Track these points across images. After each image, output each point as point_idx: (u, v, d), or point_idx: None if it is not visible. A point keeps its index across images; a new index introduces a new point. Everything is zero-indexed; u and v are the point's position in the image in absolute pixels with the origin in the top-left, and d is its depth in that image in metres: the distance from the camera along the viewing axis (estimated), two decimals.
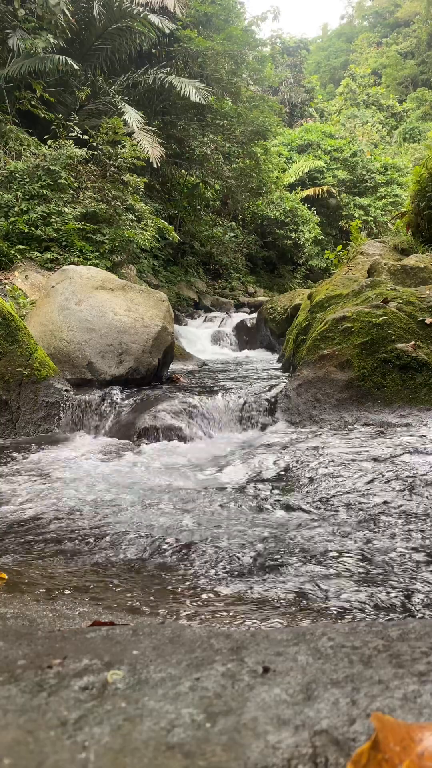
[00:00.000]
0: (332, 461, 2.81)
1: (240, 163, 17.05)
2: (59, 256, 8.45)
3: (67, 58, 10.47)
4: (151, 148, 11.16)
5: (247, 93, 16.19)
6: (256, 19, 19.39)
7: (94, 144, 9.95)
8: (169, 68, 14.04)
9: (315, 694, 0.61)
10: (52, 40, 10.48)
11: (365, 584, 1.57)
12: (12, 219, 8.51)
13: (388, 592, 1.52)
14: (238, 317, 11.84)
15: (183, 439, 3.73)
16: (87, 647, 0.79)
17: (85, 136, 9.96)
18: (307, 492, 2.50)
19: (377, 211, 24.57)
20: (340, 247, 8.58)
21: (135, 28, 12.60)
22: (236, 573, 1.71)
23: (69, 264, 7.48)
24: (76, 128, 10.08)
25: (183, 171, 15.89)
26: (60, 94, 11.82)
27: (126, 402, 4.25)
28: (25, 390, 4.09)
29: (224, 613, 1.45)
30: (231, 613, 1.45)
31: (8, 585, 1.54)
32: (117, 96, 11.96)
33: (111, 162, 10.00)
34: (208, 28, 15.69)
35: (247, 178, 17.14)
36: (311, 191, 23.89)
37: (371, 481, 2.52)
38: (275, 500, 2.45)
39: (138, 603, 1.50)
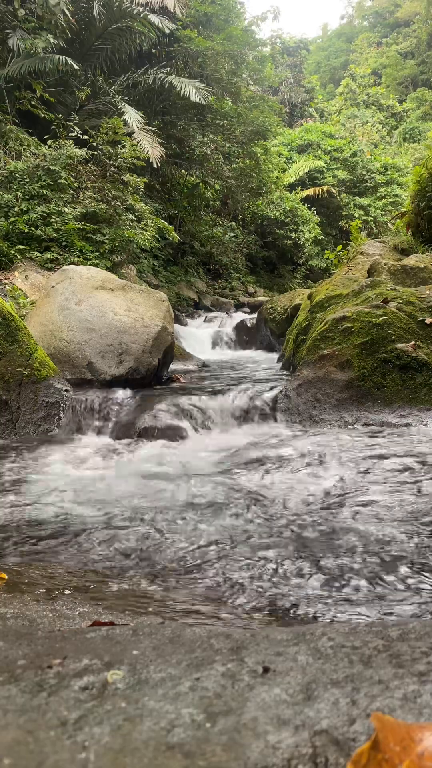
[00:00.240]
0: (332, 461, 2.81)
1: (240, 163, 17.05)
2: (59, 256, 8.45)
3: (67, 58, 10.47)
4: (151, 148, 11.17)
5: (247, 93, 16.19)
6: (256, 19, 19.40)
7: (94, 144, 9.95)
8: (169, 68, 14.05)
9: (315, 694, 0.61)
10: (52, 40, 10.48)
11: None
12: (12, 219, 8.51)
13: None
14: (238, 317, 11.83)
15: (183, 438, 3.73)
16: (87, 647, 0.79)
17: (85, 136, 9.96)
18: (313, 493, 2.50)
19: (377, 211, 24.57)
20: (340, 247, 8.58)
21: (135, 28, 12.60)
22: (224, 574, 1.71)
23: (69, 264, 7.48)
24: (76, 128, 10.08)
25: (183, 171, 15.89)
26: (60, 94, 11.82)
27: (126, 402, 4.25)
28: (25, 390, 4.09)
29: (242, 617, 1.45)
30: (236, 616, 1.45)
31: (8, 585, 1.54)
32: (117, 96, 11.96)
33: (111, 162, 10.00)
34: (208, 28, 15.69)
35: (247, 178, 17.15)
36: (311, 191, 23.90)
37: (374, 481, 2.52)
38: (282, 502, 2.45)
39: (138, 603, 1.50)
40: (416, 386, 3.65)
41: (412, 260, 6.10)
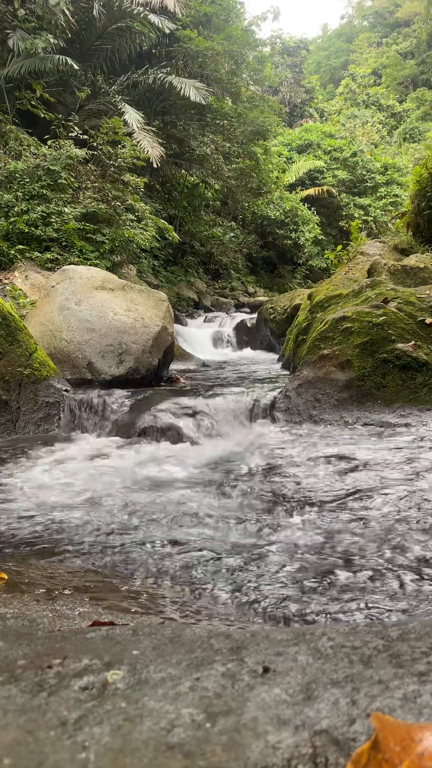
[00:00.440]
0: (333, 461, 2.81)
1: (240, 163, 17.05)
2: (59, 256, 8.45)
3: (67, 58, 10.47)
4: (151, 148, 11.16)
5: (247, 93, 16.19)
6: (256, 19, 19.40)
7: (94, 144, 9.95)
8: (169, 68, 14.05)
9: (315, 694, 0.61)
10: (52, 40, 10.48)
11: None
12: (12, 219, 8.51)
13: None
14: (238, 317, 11.83)
15: (182, 439, 3.73)
16: (87, 647, 0.79)
17: (85, 136, 9.96)
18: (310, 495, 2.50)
19: (377, 211, 24.57)
20: (340, 247, 8.58)
21: (135, 28, 12.60)
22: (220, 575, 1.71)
23: (69, 264, 7.48)
24: (76, 128, 10.08)
25: (183, 171, 15.89)
26: (60, 94, 11.82)
27: (126, 402, 4.25)
28: (25, 390, 4.09)
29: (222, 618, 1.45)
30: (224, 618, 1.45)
31: (8, 585, 1.54)
32: (117, 96, 11.96)
33: (111, 162, 10.00)
34: (208, 28, 15.69)
35: (247, 178, 17.14)
36: (311, 191, 23.90)
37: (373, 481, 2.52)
38: (278, 503, 2.45)
39: (138, 603, 1.50)
40: (416, 386, 3.65)
41: (412, 260, 6.10)
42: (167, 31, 12.86)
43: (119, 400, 4.28)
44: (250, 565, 1.74)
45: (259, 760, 0.51)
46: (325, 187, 24.27)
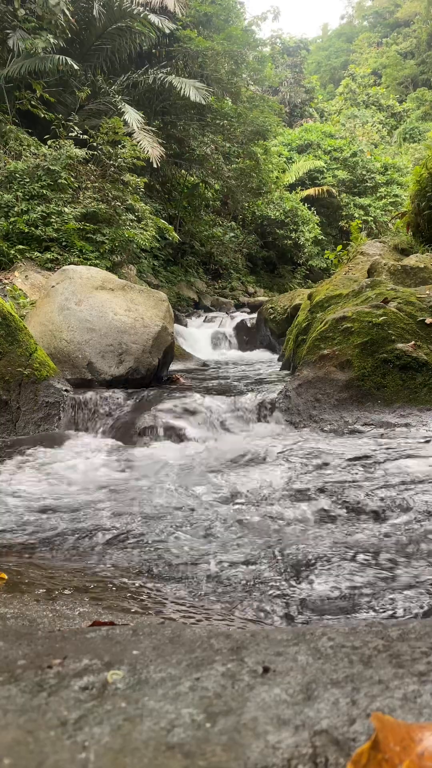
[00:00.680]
0: (333, 461, 2.81)
1: (240, 163, 17.05)
2: (59, 256, 8.45)
3: (67, 58, 10.47)
4: (151, 148, 11.17)
5: (247, 93, 16.19)
6: (256, 19, 19.40)
7: (94, 144, 9.95)
8: (169, 68, 14.05)
9: (315, 694, 0.61)
10: (52, 40, 10.48)
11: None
12: (12, 219, 8.51)
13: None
14: (238, 317, 11.83)
15: (182, 439, 3.73)
16: (87, 647, 0.79)
17: (85, 136, 9.96)
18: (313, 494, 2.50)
19: (377, 211, 24.58)
20: (340, 247, 8.58)
21: (135, 28, 12.60)
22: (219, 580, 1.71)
23: (69, 264, 7.48)
24: (76, 128, 10.08)
25: (183, 171, 15.89)
26: (60, 94, 11.82)
27: (126, 402, 4.25)
28: (25, 390, 4.09)
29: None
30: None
31: (8, 585, 1.54)
32: (117, 96, 11.96)
33: (111, 162, 10.00)
34: (208, 28, 15.69)
35: (247, 178, 17.14)
36: (311, 191, 23.90)
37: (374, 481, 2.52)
38: (271, 506, 2.45)
39: (138, 603, 1.50)
40: (416, 386, 3.65)
41: (412, 260, 6.11)
42: (167, 31, 12.86)
43: (119, 400, 4.28)
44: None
45: (259, 760, 0.51)
46: (325, 187, 24.27)
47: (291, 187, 23.67)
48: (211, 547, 1.93)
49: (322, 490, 2.47)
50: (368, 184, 25.76)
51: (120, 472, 3.08)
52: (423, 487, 2.39)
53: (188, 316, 12.69)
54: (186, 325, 11.10)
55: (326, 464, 2.82)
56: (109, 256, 9.12)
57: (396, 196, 24.96)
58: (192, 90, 12.59)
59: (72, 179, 9.36)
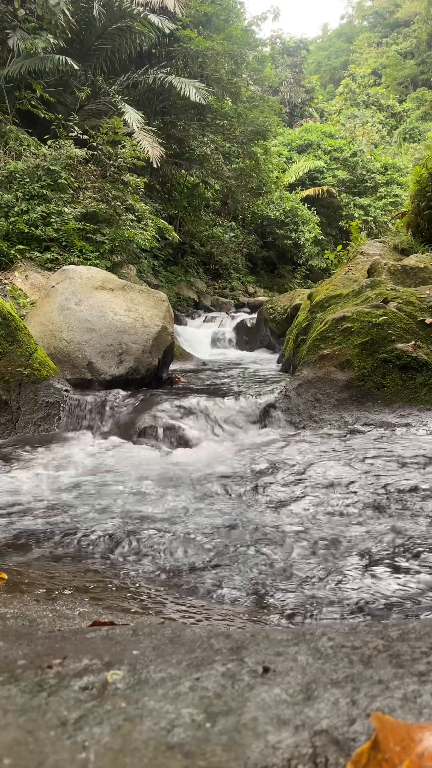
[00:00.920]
0: (332, 461, 2.81)
1: (240, 163, 17.04)
2: (59, 256, 8.45)
3: (67, 58, 10.47)
4: (151, 148, 11.16)
5: (247, 93, 16.18)
6: (256, 19, 19.36)
7: (94, 144, 9.95)
8: (169, 68, 14.04)
9: (315, 694, 0.61)
10: (52, 40, 10.48)
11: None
12: (12, 219, 8.51)
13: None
14: (238, 317, 11.83)
15: (182, 439, 3.73)
16: (87, 647, 0.79)
17: (85, 136, 9.96)
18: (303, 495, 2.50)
19: (377, 211, 24.57)
20: (340, 247, 8.58)
21: (135, 28, 12.59)
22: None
23: (69, 264, 7.48)
24: (76, 128, 10.08)
25: (183, 171, 15.89)
26: (60, 94, 11.82)
27: (126, 402, 4.25)
28: (25, 390, 4.09)
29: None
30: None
31: (8, 585, 1.54)
32: (117, 96, 11.96)
33: (111, 162, 10.00)
34: (208, 28, 15.68)
35: (247, 178, 17.14)
36: (311, 191, 23.89)
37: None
38: (269, 498, 2.45)
39: (138, 603, 1.50)
40: (416, 386, 3.65)
41: (412, 260, 6.10)
42: (167, 31, 12.85)
43: (119, 400, 4.28)
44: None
45: (259, 760, 0.51)
46: (325, 187, 24.26)
47: (291, 187, 23.66)
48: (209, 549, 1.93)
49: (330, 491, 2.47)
50: (368, 184, 25.75)
51: (120, 471, 3.08)
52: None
53: (188, 316, 12.69)
54: (186, 325, 11.10)
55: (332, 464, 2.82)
56: (109, 256, 9.12)
57: (396, 196, 24.95)
58: (192, 90, 12.59)
59: (72, 179, 9.36)
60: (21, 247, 8.35)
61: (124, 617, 1.33)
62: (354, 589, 1.55)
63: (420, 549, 1.76)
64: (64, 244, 8.73)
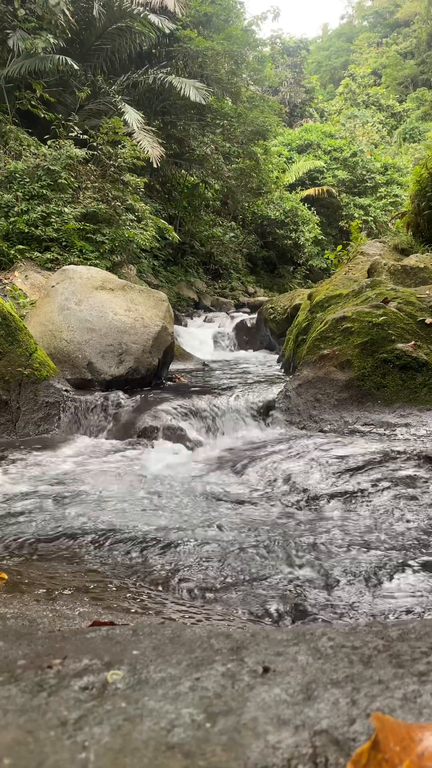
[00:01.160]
0: (332, 462, 2.81)
1: (240, 163, 17.04)
2: (59, 256, 8.45)
3: (67, 58, 10.47)
4: (151, 148, 11.16)
5: (247, 93, 16.18)
6: (256, 19, 19.34)
7: (94, 144, 9.95)
8: (169, 68, 14.04)
9: (315, 694, 0.61)
10: (52, 40, 10.48)
11: None
12: (12, 219, 8.50)
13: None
14: (238, 317, 11.84)
15: (182, 439, 3.73)
16: (87, 647, 0.79)
17: (85, 136, 9.95)
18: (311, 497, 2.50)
19: (377, 211, 24.57)
20: (340, 247, 8.58)
21: (135, 28, 12.59)
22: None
23: (69, 264, 7.48)
24: (76, 128, 10.07)
25: (183, 171, 15.88)
26: (60, 94, 11.82)
27: (126, 402, 4.25)
28: (25, 390, 4.09)
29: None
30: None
31: (8, 585, 1.54)
32: (117, 96, 11.96)
33: (111, 162, 10.00)
34: (208, 28, 15.68)
35: (247, 178, 17.13)
36: (311, 191, 23.89)
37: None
38: (272, 503, 2.45)
39: (138, 603, 1.50)
40: (416, 386, 3.65)
41: (412, 260, 6.10)
42: (167, 31, 12.85)
43: (119, 400, 4.28)
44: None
45: (259, 760, 0.51)
46: (325, 187, 24.26)
47: (291, 187, 23.65)
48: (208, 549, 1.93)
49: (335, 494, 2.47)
50: (368, 184, 25.75)
51: (119, 471, 3.08)
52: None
53: (188, 316, 12.69)
54: (186, 325, 11.10)
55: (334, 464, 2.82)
56: (109, 256, 9.12)
57: (396, 196, 24.95)
58: (192, 90, 12.59)
59: (72, 179, 9.36)
60: (21, 247, 8.35)
61: (124, 617, 1.33)
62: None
63: None
64: (64, 244, 8.73)
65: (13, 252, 8.24)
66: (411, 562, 1.72)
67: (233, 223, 19.93)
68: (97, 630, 0.89)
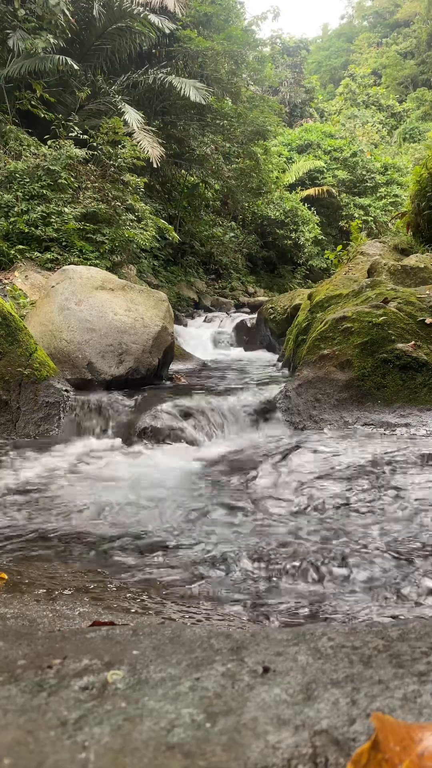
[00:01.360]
0: (331, 462, 2.81)
1: (240, 163, 17.04)
2: (59, 256, 8.45)
3: (67, 58, 10.47)
4: (151, 148, 11.16)
5: (247, 93, 16.18)
6: (256, 19, 19.33)
7: (94, 144, 9.94)
8: (169, 68, 14.04)
9: (315, 694, 0.61)
10: (52, 40, 10.47)
11: None
12: (12, 219, 8.50)
13: None
14: (238, 317, 11.83)
15: (182, 440, 3.73)
16: (87, 647, 0.79)
17: (85, 136, 9.95)
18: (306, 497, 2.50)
19: (377, 211, 24.56)
20: (340, 247, 8.58)
21: (135, 28, 12.59)
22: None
23: (69, 264, 7.47)
24: (76, 128, 10.07)
25: (183, 171, 15.88)
26: (60, 94, 11.82)
27: (126, 402, 4.25)
28: (25, 390, 4.09)
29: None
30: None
31: (8, 585, 1.54)
32: (117, 96, 11.96)
33: (111, 162, 10.00)
34: (208, 28, 15.68)
35: (247, 178, 17.13)
36: (311, 191, 23.89)
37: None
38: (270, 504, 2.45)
39: (138, 603, 1.50)
40: (416, 386, 3.65)
41: (412, 260, 6.10)
42: (167, 31, 12.85)
43: (119, 400, 4.28)
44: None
45: (259, 760, 0.51)
46: (325, 187, 24.26)
47: (291, 187, 23.65)
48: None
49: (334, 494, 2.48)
50: (368, 184, 25.74)
51: (119, 471, 3.08)
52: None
53: (188, 316, 12.69)
54: (186, 325, 11.10)
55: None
56: (109, 256, 9.12)
57: (396, 196, 24.95)
58: (192, 90, 12.58)
59: (72, 179, 9.36)
60: (21, 247, 8.35)
61: (124, 617, 1.33)
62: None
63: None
64: (64, 244, 8.73)
65: (13, 252, 8.24)
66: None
67: (233, 223, 19.93)
68: (97, 630, 0.89)
